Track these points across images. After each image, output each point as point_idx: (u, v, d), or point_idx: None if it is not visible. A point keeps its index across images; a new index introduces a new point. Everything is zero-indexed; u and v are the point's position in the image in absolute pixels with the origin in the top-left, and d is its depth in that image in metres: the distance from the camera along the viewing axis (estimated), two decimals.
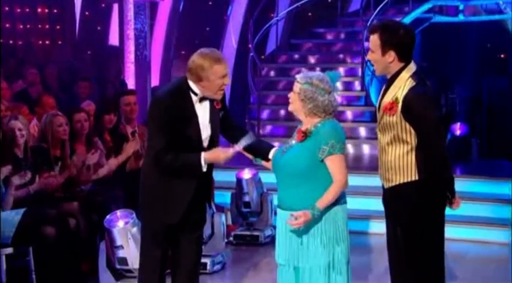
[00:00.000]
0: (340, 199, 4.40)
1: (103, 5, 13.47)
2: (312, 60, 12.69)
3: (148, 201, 4.70)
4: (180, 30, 13.56)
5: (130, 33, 10.76)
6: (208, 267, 6.69)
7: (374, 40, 4.37)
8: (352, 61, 12.26)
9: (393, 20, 5.05)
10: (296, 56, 12.85)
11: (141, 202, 4.76)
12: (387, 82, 4.43)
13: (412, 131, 4.29)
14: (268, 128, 11.47)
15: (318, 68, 12.33)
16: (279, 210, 4.50)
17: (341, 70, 12.12)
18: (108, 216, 5.99)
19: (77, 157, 6.61)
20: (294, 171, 4.36)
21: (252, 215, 7.92)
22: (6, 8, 13.24)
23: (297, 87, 4.41)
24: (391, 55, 4.34)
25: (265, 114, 11.70)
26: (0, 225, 5.73)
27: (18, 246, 5.89)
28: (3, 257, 5.78)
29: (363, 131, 11.23)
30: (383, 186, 4.52)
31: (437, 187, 4.33)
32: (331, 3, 14.29)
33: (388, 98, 4.35)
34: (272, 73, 12.49)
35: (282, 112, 11.48)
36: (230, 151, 4.54)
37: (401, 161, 4.34)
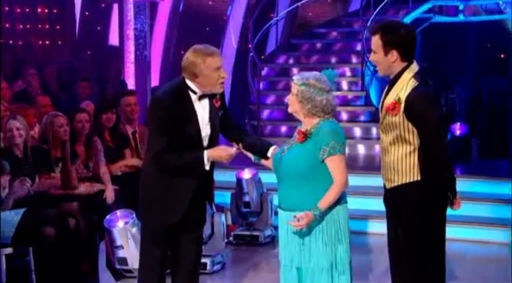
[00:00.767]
0: (340, 199, 4.41)
1: (103, 5, 13.46)
2: (312, 60, 12.69)
3: (149, 201, 4.70)
4: (180, 30, 13.56)
5: (130, 33, 10.76)
6: (208, 267, 6.70)
7: (376, 41, 4.38)
8: (352, 61, 12.27)
9: (394, 20, 5.06)
10: (296, 56, 12.85)
11: (141, 202, 4.76)
12: (390, 82, 4.43)
13: (415, 131, 4.29)
14: (268, 128, 11.47)
15: (318, 68, 12.35)
16: (279, 211, 4.51)
17: (342, 70, 12.15)
18: (108, 216, 5.99)
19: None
20: (294, 172, 4.36)
21: (252, 215, 7.92)
22: (6, 8, 13.23)
23: (294, 88, 4.41)
24: (394, 55, 4.35)
25: (265, 114, 11.71)
26: (0, 225, 5.73)
27: (18, 246, 5.89)
28: (3, 257, 5.78)
29: (362, 131, 11.23)
30: (384, 186, 4.51)
31: (438, 188, 4.33)
32: (331, 3, 14.29)
33: (390, 98, 4.35)
34: (272, 73, 12.49)
35: (282, 112, 11.48)
36: (233, 150, 4.54)
37: (403, 161, 4.34)
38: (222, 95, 4.73)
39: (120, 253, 5.90)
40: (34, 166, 6.22)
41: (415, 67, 4.38)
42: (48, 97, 8.08)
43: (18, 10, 13.76)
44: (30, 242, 5.89)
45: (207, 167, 4.52)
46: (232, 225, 8.04)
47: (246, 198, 7.85)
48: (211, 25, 14.34)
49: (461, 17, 12.80)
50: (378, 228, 7.93)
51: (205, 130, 4.63)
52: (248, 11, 13.22)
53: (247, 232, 7.91)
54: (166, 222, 4.65)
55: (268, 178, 7.77)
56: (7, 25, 13.28)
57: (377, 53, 4.40)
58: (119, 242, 5.87)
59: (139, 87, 10.56)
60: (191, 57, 4.55)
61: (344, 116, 11.51)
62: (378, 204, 8.09)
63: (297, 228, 4.29)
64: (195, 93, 4.58)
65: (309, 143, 4.35)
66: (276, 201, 6.73)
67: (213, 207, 6.99)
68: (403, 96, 4.29)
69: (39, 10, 14.07)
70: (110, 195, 6.66)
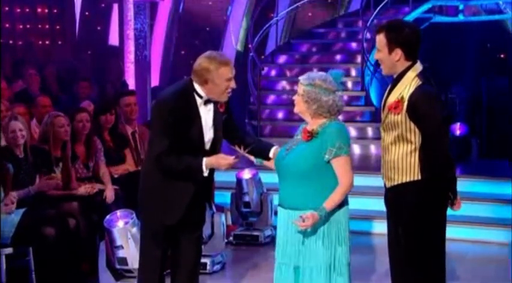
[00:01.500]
0: (343, 201, 4.41)
1: (103, 5, 13.47)
2: (312, 60, 12.69)
3: (148, 201, 4.70)
4: (180, 30, 13.56)
5: (130, 33, 10.76)
6: (208, 267, 6.69)
7: (380, 39, 4.38)
8: (352, 61, 12.26)
9: (399, 19, 5.07)
10: (296, 56, 12.85)
11: (140, 203, 4.76)
12: (393, 81, 4.43)
13: (417, 131, 4.29)
14: (268, 128, 11.46)
15: (318, 68, 12.36)
16: (280, 209, 4.50)
17: (342, 70, 12.14)
18: (108, 216, 5.98)
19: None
20: (297, 171, 4.36)
21: (252, 215, 7.92)
22: (6, 8, 13.24)
23: (300, 89, 4.41)
24: (398, 53, 4.35)
25: (265, 114, 11.70)
26: (0, 225, 5.73)
27: (18, 246, 5.89)
28: (3, 257, 5.78)
29: (362, 131, 11.23)
30: (385, 186, 4.51)
31: (439, 187, 4.33)
32: (331, 3, 14.30)
33: (393, 97, 4.35)
34: (272, 73, 12.49)
35: (282, 112, 11.48)
36: (232, 159, 4.52)
37: (404, 160, 4.34)
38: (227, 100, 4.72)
39: (120, 253, 5.90)
40: (34, 167, 6.22)
41: (418, 66, 4.38)
42: (48, 97, 8.08)
43: (18, 10, 13.77)
44: (30, 242, 5.89)
45: (206, 174, 4.51)
46: (232, 225, 8.04)
47: (246, 198, 7.85)
48: (211, 25, 14.35)
49: (461, 17, 12.80)
50: (378, 228, 7.94)
51: (208, 134, 4.62)
52: (248, 11, 13.23)
53: (247, 232, 7.91)
54: (166, 223, 4.65)
55: (268, 178, 7.77)
56: (7, 25, 13.28)
57: (381, 51, 4.40)
58: (118, 242, 5.86)
59: (139, 87, 10.56)
60: (205, 63, 4.52)
61: (344, 116, 11.50)
62: (377, 204, 8.11)
63: (302, 228, 4.29)
64: (201, 97, 4.57)
65: (315, 142, 4.35)
66: (276, 201, 6.73)
67: (213, 207, 6.99)
68: (406, 95, 4.29)
69: (39, 10, 14.07)
70: (109, 195, 6.66)
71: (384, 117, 4.43)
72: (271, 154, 4.64)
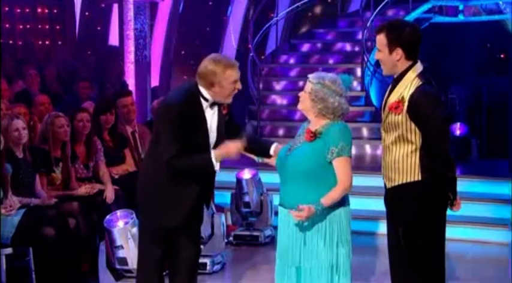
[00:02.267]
0: (344, 202, 4.42)
1: (103, 5, 13.47)
2: (312, 60, 12.69)
3: (148, 203, 4.69)
4: (180, 30, 13.56)
5: (130, 33, 10.76)
6: (208, 267, 6.69)
7: (380, 39, 4.38)
8: (352, 61, 12.26)
9: (399, 19, 5.06)
10: (296, 56, 12.85)
11: (140, 204, 4.76)
12: (393, 81, 4.43)
13: (417, 131, 4.29)
14: (268, 128, 11.46)
15: (317, 68, 12.35)
16: (280, 209, 4.50)
17: (342, 70, 12.15)
18: (108, 216, 5.99)
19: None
20: (300, 171, 4.36)
21: (252, 215, 7.92)
22: (6, 8, 13.25)
23: (308, 87, 4.41)
24: (398, 53, 4.35)
25: (265, 114, 11.70)
26: (0, 225, 5.73)
27: (18, 246, 5.89)
28: (3, 257, 5.78)
29: (362, 131, 11.23)
30: (385, 186, 4.51)
31: (439, 188, 4.33)
32: (331, 3, 14.29)
33: (394, 97, 4.35)
34: (272, 73, 12.49)
35: (282, 112, 11.48)
36: (239, 143, 4.52)
37: (405, 161, 4.34)
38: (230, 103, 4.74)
39: (120, 253, 5.90)
40: (33, 167, 6.22)
41: (419, 67, 4.38)
42: (46, 95, 8.08)
43: (18, 10, 13.78)
44: (30, 242, 5.89)
45: (217, 167, 4.51)
46: (232, 225, 8.05)
47: (246, 198, 7.85)
48: (211, 25, 14.35)
49: (461, 17, 12.79)
50: (377, 228, 7.94)
51: (212, 137, 4.63)
52: (248, 11, 13.23)
53: (247, 232, 7.91)
54: (166, 225, 4.65)
55: (268, 178, 7.78)
56: (7, 25, 13.29)
57: (382, 51, 4.40)
58: (118, 242, 5.87)
59: (139, 87, 10.56)
60: (211, 65, 4.52)
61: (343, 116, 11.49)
62: (377, 204, 8.12)
63: (296, 219, 4.29)
64: (206, 100, 4.57)
65: (318, 143, 4.35)
66: (276, 201, 6.72)
67: (213, 207, 6.99)
68: (407, 96, 4.29)
69: (39, 10, 14.08)
70: (110, 195, 6.67)
71: (384, 118, 4.43)
72: (271, 152, 4.65)
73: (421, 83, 4.31)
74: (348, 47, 12.80)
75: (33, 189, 6.19)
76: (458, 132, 10.77)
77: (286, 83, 12.00)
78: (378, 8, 11.81)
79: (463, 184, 7.76)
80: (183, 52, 13.94)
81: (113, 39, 13.05)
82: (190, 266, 4.82)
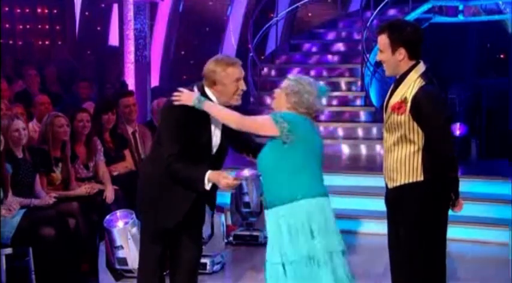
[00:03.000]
0: (301, 195, 4.33)
1: (103, 5, 13.48)
2: (312, 60, 12.70)
3: (147, 203, 4.69)
4: (180, 30, 13.56)
5: (130, 33, 10.77)
6: (208, 267, 6.69)
7: (382, 40, 4.36)
8: (352, 61, 12.27)
9: (400, 18, 5.05)
10: (296, 56, 12.85)
11: (139, 204, 4.76)
12: (395, 82, 4.42)
13: (420, 131, 4.28)
14: None
15: (318, 68, 12.37)
16: (265, 211, 4.50)
17: (342, 70, 12.17)
18: (108, 216, 5.99)
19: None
20: (264, 168, 4.40)
21: (251, 215, 7.92)
22: (6, 8, 13.25)
23: (285, 83, 4.48)
24: (401, 53, 4.34)
25: (265, 114, 11.67)
26: (0, 225, 5.73)
27: (18, 246, 5.89)
28: (3, 257, 5.78)
29: (362, 131, 11.23)
30: (386, 186, 4.50)
31: (441, 188, 4.33)
32: (331, 3, 14.30)
33: (396, 98, 4.34)
34: (272, 73, 12.49)
35: None
36: (232, 179, 4.45)
37: (407, 161, 4.33)
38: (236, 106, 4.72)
39: (120, 254, 5.90)
40: (33, 167, 6.22)
41: (421, 67, 4.37)
42: (46, 96, 8.09)
43: (18, 10, 13.78)
44: (30, 242, 5.88)
45: (207, 188, 4.47)
46: (232, 225, 8.05)
47: (246, 198, 7.85)
48: (211, 25, 14.36)
49: (461, 17, 12.80)
50: (377, 228, 7.92)
51: (216, 139, 4.62)
52: (248, 11, 13.23)
53: (247, 232, 7.91)
54: (165, 225, 4.65)
55: None
56: (7, 25, 13.29)
57: (384, 51, 4.38)
58: (118, 242, 5.87)
59: (139, 87, 10.57)
60: (212, 64, 4.54)
61: (344, 116, 11.51)
62: (376, 204, 8.12)
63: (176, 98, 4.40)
64: (212, 102, 4.57)
65: (278, 137, 4.35)
66: None
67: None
68: (410, 96, 4.28)
69: (39, 10, 14.08)
70: (109, 195, 6.66)
71: (386, 118, 4.42)
72: None
73: (423, 83, 4.30)
74: (348, 47, 12.81)
75: (33, 189, 6.19)
76: (458, 132, 10.77)
77: None
78: (378, 8, 11.81)
79: (463, 184, 7.70)
80: (183, 52, 13.95)
81: (113, 39, 13.05)
82: (191, 266, 4.82)
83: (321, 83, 4.56)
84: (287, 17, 13.35)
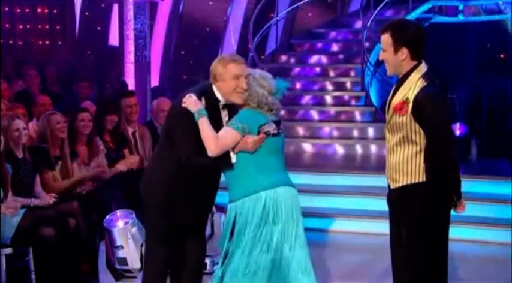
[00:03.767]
0: (248, 192, 4.52)
1: (103, 5, 13.49)
2: (312, 60, 12.70)
3: (157, 204, 4.68)
4: (180, 30, 13.57)
5: (130, 33, 10.77)
6: (208, 267, 6.68)
7: (385, 39, 4.36)
8: (352, 61, 12.27)
9: (403, 18, 5.03)
10: (296, 56, 12.85)
11: (148, 204, 4.74)
12: (397, 82, 4.41)
13: (422, 132, 4.28)
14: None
15: (318, 68, 12.37)
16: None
17: (342, 70, 12.17)
18: (108, 216, 5.99)
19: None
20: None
21: None
22: (6, 8, 13.26)
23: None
24: (404, 52, 4.33)
25: None
26: (0, 225, 5.73)
27: (18, 246, 5.89)
28: (3, 257, 5.78)
29: (362, 131, 11.22)
30: (389, 187, 4.50)
31: (443, 189, 4.32)
32: (331, 3, 14.30)
33: (398, 98, 4.34)
34: (272, 73, 12.48)
35: (282, 112, 11.46)
36: (255, 137, 4.52)
37: (409, 162, 4.33)
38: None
39: (120, 253, 5.90)
40: (33, 166, 6.22)
41: (423, 67, 4.37)
42: (47, 96, 8.09)
43: (18, 10, 13.79)
44: (30, 242, 5.88)
45: (234, 160, 4.54)
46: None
47: None
48: (211, 25, 14.36)
49: (461, 17, 12.81)
50: (377, 228, 7.92)
51: None
52: (248, 11, 13.23)
53: None
54: (176, 226, 4.66)
55: None
56: (7, 25, 13.30)
57: (387, 51, 4.37)
58: (118, 242, 5.87)
59: (139, 87, 10.57)
60: (216, 61, 4.63)
61: (344, 116, 11.51)
62: (375, 204, 8.12)
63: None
64: (219, 101, 4.60)
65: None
66: None
67: (213, 207, 6.98)
68: (412, 96, 4.27)
69: (39, 10, 14.09)
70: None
71: (388, 119, 4.41)
72: None
73: (425, 83, 4.29)
74: (348, 47, 12.81)
75: (33, 189, 6.19)
76: (458, 132, 10.76)
77: None
78: (378, 8, 11.81)
79: (464, 184, 7.70)
80: (183, 52, 13.95)
81: (113, 39, 13.06)
82: (196, 266, 4.85)
83: (283, 80, 4.71)
84: (287, 17, 13.35)
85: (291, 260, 4.48)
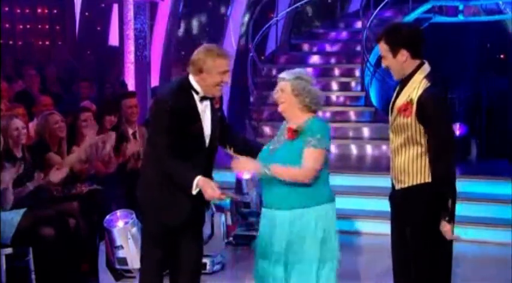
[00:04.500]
0: (331, 197, 4.42)
1: (103, 5, 13.48)
2: (312, 60, 12.69)
3: (149, 202, 4.68)
4: (180, 30, 13.56)
5: (130, 33, 10.77)
6: (208, 267, 6.69)
7: (382, 46, 4.37)
8: (352, 61, 12.27)
9: (394, 22, 5.05)
10: (296, 56, 12.85)
11: (141, 204, 4.74)
12: (401, 83, 4.41)
13: (426, 133, 4.28)
14: (268, 128, 11.46)
15: (318, 68, 12.37)
16: (265, 210, 4.49)
17: (342, 70, 12.18)
18: (108, 216, 5.99)
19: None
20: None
21: (251, 215, 7.92)
22: (6, 8, 13.26)
23: (286, 85, 4.40)
24: (403, 54, 4.33)
25: (265, 114, 11.70)
26: (0, 225, 5.73)
27: (18, 246, 5.89)
28: (3, 257, 5.78)
29: (362, 131, 11.23)
30: (393, 187, 4.49)
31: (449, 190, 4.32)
32: (331, 3, 14.30)
33: (402, 99, 4.33)
34: (272, 73, 12.49)
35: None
36: (218, 193, 4.43)
37: (414, 163, 4.32)
38: (221, 97, 4.73)
39: (120, 253, 5.90)
40: (33, 166, 6.22)
41: (426, 68, 4.36)
42: (49, 97, 8.10)
43: (18, 10, 13.79)
44: (30, 242, 5.89)
45: (194, 192, 4.44)
46: (232, 225, 8.04)
47: (246, 198, 7.85)
48: (211, 25, 14.36)
49: (461, 17, 12.80)
50: (377, 228, 7.92)
51: (207, 130, 4.62)
52: (248, 11, 13.23)
53: (247, 233, 7.90)
54: (169, 225, 4.64)
55: None
56: (7, 25, 13.30)
57: (386, 57, 4.37)
58: (118, 242, 5.87)
59: (139, 87, 10.57)
60: (202, 53, 4.54)
61: (344, 116, 11.51)
62: (375, 204, 8.12)
63: (234, 169, 4.39)
64: (197, 93, 4.58)
65: (300, 140, 4.35)
66: None
67: (213, 207, 6.99)
68: (415, 97, 4.27)
69: (39, 10, 14.10)
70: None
71: (392, 120, 4.41)
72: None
73: (429, 84, 4.29)
74: (348, 47, 12.81)
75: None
76: (458, 133, 10.76)
77: None
78: (378, 8, 11.81)
79: (464, 184, 7.78)
80: (183, 52, 13.94)
81: (113, 39, 13.05)
82: (194, 267, 4.82)
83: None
84: (287, 17, 13.35)
85: None
